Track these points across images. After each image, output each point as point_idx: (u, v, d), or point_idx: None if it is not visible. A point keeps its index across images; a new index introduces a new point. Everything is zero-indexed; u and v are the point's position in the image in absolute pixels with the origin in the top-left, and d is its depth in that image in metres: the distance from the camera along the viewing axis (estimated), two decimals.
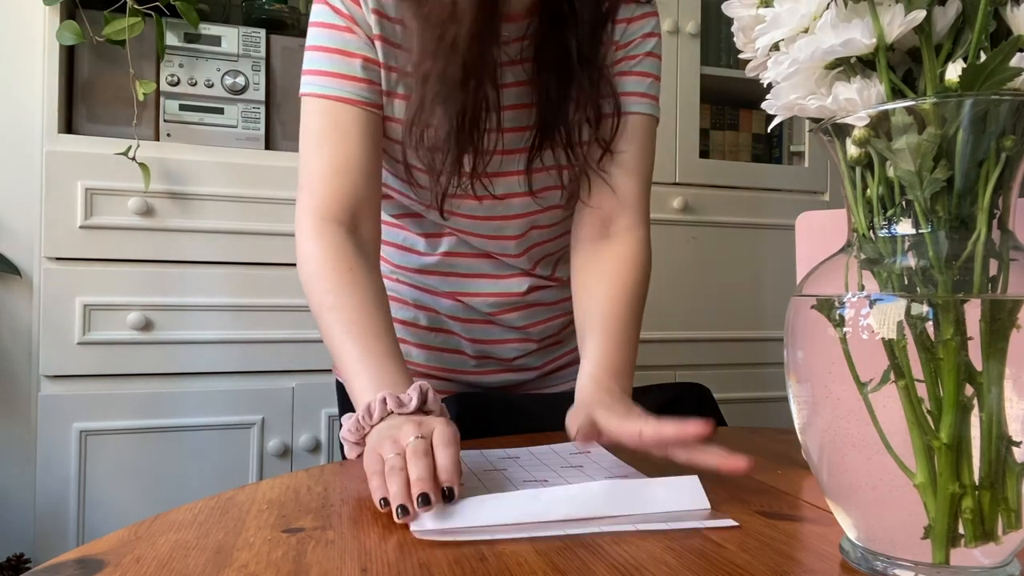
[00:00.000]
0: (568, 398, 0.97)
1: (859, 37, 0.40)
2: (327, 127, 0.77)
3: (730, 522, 0.51)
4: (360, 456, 0.63)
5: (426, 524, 0.50)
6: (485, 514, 0.51)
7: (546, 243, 0.93)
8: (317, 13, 0.78)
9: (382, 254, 0.94)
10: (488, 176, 0.82)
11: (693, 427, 0.59)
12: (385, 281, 0.91)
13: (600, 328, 0.81)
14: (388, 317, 0.75)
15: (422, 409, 0.64)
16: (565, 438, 0.77)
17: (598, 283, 0.84)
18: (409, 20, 0.76)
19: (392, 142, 0.82)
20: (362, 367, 0.69)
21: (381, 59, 0.78)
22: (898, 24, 0.39)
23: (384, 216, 0.92)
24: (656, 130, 0.89)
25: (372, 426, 0.63)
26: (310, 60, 0.78)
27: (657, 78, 0.88)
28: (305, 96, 0.78)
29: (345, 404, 0.97)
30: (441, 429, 0.58)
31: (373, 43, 0.77)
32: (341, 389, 0.98)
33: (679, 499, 0.55)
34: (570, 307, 0.91)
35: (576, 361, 0.95)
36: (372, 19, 0.77)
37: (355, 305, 0.73)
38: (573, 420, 0.69)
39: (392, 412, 0.63)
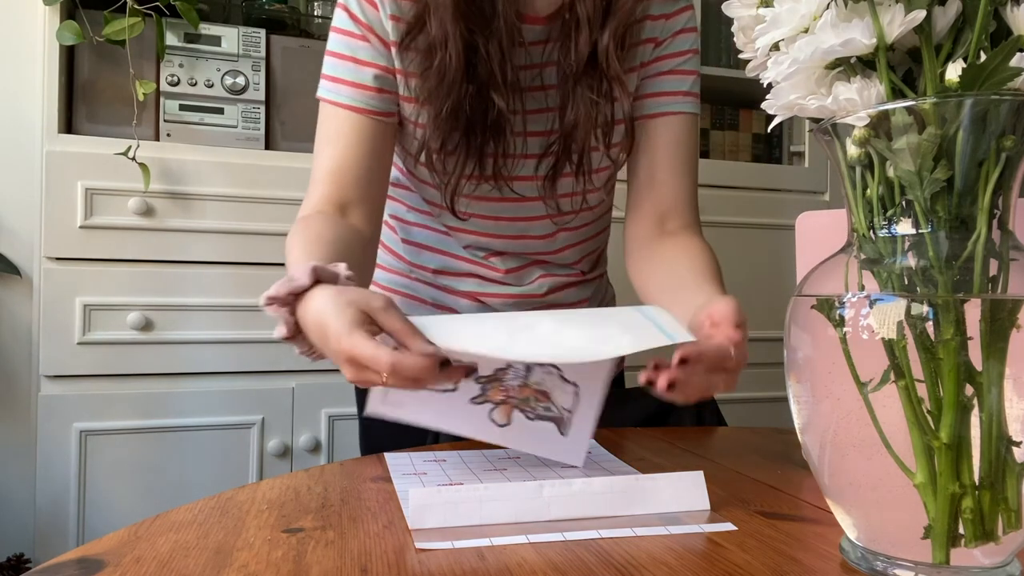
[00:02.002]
0: None
1: (859, 37, 0.40)
2: (330, 132, 0.78)
3: (729, 526, 0.51)
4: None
5: (427, 522, 0.50)
6: (487, 511, 0.52)
7: (583, 243, 0.93)
8: (337, 19, 0.79)
9: (400, 252, 0.94)
10: (505, 179, 0.82)
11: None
12: (403, 279, 0.94)
13: (697, 282, 0.73)
14: (348, 251, 0.70)
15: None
16: None
17: (672, 263, 0.79)
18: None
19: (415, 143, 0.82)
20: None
21: (398, 65, 0.78)
22: (898, 24, 0.39)
23: (404, 215, 0.93)
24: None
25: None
26: (326, 65, 0.79)
27: (698, 75, 0.86)
28: (320, 100, 0.80)
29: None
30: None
31: (389, 50, 0.78)
32: (361, 396, 0.96)
33: (681, 497, 0.55)
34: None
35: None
36: (389, 25, 0.77)
37: (313, 231, 0.72)
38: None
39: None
